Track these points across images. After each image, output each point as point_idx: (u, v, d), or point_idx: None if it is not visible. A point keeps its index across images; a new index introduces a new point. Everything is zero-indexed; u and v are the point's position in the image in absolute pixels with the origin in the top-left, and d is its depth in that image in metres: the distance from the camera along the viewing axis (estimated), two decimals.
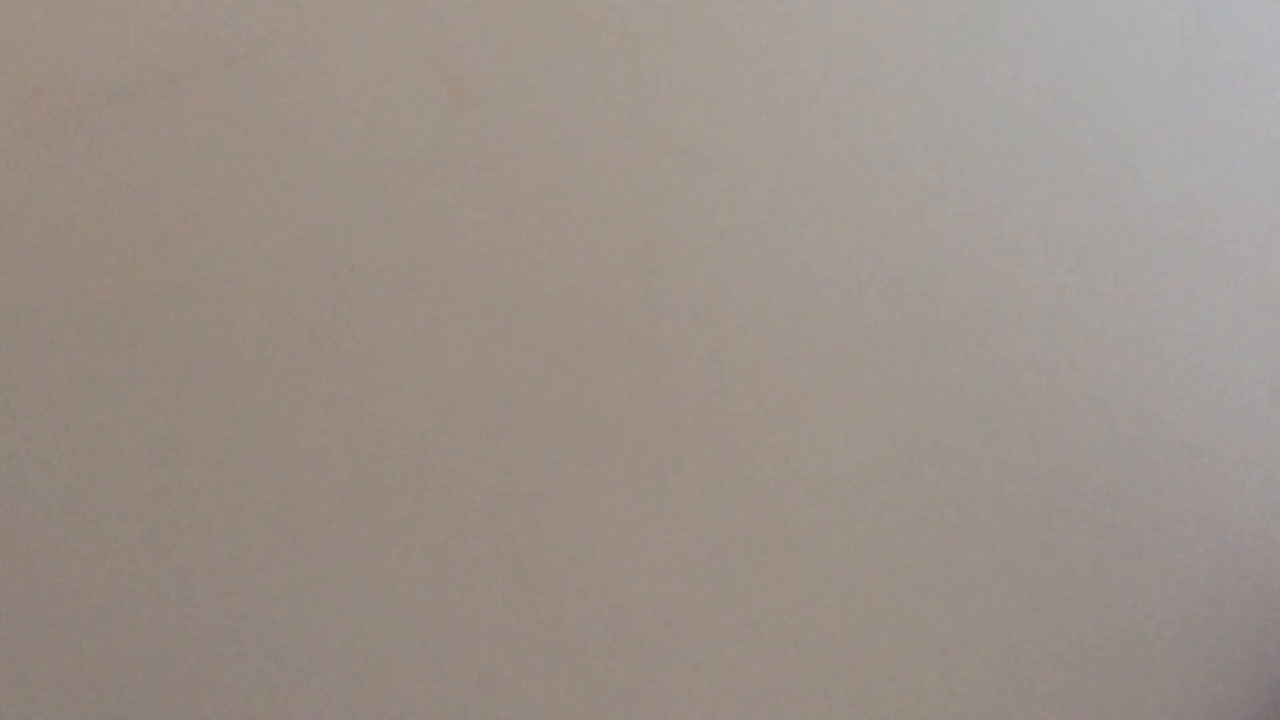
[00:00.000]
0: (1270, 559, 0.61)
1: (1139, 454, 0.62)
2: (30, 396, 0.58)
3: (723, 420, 0.62)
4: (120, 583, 0.57)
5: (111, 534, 0.57)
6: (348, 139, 0.60)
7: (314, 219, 0.60)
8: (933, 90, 0.69)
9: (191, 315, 0.59)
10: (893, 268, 0.65)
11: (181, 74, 0.57)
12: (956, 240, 0.66)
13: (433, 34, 0.62)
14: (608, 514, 0.59)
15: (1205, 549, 0.61)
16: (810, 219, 0.65)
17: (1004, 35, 0.71)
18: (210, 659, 0.56)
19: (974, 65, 0.70)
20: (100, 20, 0.59)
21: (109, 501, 0.57)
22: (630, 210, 0.63)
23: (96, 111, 0.56)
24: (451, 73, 0.61)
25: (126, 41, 0.60)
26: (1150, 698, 0.59)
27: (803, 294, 0.64)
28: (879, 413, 0.63)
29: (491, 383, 0.60)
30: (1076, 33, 0.72)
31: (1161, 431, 0.63)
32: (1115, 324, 0.65)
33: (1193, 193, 0.69)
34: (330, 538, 0.58)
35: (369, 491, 0.58)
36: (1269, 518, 0.62)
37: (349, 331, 0.59)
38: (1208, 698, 0.60)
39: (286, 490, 0.58)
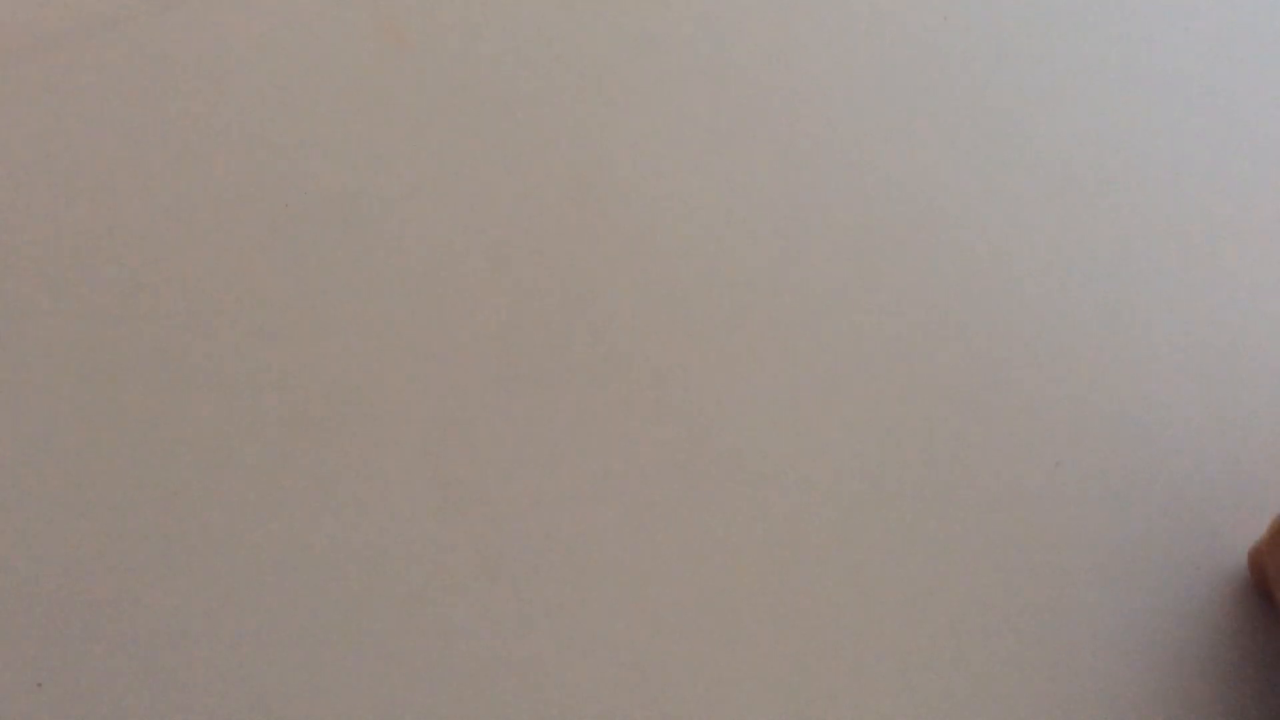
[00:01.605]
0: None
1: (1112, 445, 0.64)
2: None
3: (660, 356, 0.63)
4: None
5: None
6: (285, 80, 0.61)
7: (249, 159, 0.61)
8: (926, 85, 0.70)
9: (128, 255, 0.60)
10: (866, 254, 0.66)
11: (116, 18, 0.57)
12: (934, 230, 0.67)
13: None
14: (545, 450, 0.60)
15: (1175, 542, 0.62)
16: (742, 150, 0.66)
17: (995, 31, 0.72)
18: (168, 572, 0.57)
19: (965, 61, 0.71)
20: None
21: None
22: (564, 147, 0.64)
23: (32, 56, 0.57)
24: (388, 16, 0.62)
25: None
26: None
27: (736, 224, 0.65)
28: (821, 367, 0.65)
29: (426, 316, 0.62)
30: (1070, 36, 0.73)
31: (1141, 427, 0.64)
32: (1099, 320, 0.66)
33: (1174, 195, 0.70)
34: (268, 463, 0.59)
35: (302, 420, 0.59)
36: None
37: (289, 264, 0.60)
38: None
39: (222, 415, 0.59)
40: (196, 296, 0.61)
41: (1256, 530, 0.61)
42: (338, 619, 0.56)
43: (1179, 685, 0.58)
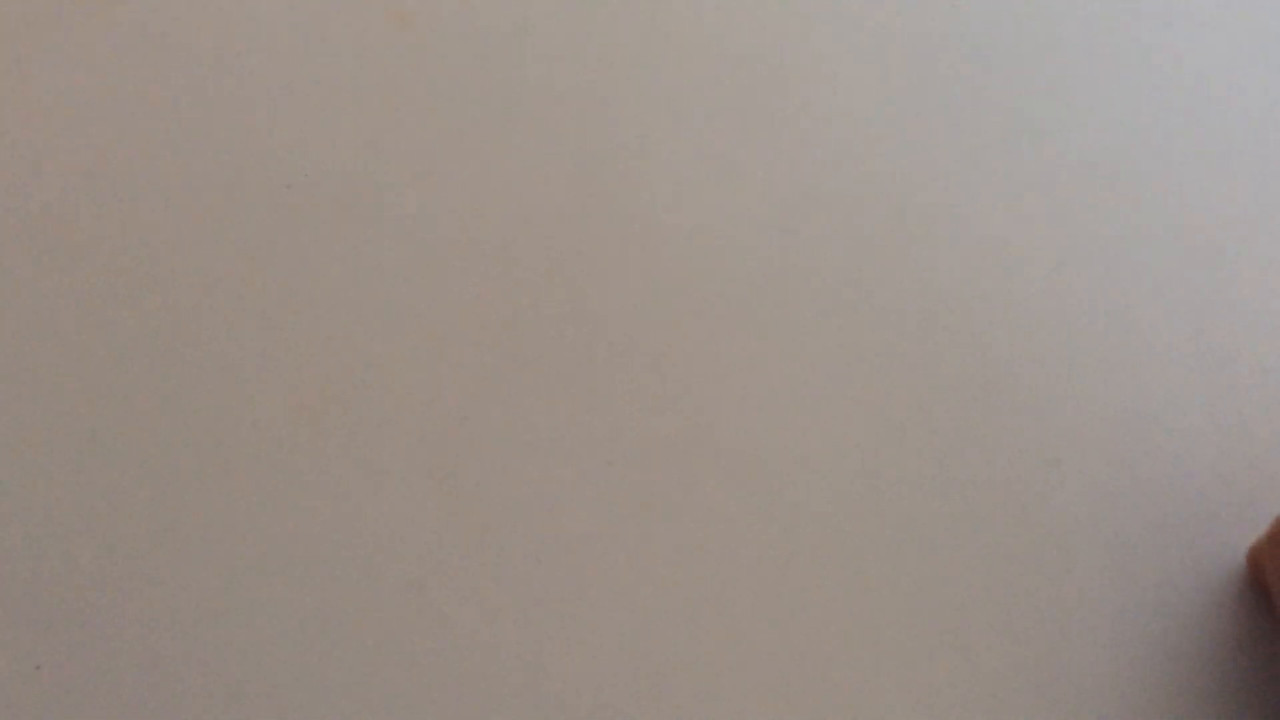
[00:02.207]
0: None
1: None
2: None
3: (656, 351, 0.63)
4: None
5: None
6: (287, 61, 0.61)
7: (249, 140, 0.61)
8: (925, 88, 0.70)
9: (121, 239, 0.60)
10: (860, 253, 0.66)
11: None
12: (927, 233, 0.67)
13: None
14: (546, 441, 0.61)
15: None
16: (755, 150, 0.66)
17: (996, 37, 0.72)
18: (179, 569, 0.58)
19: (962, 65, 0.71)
20: None
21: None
22: (571, 135, 0.64)
23: (28, 32, 0.58)
24: None
25: None
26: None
27: (742, 231, 0.65)
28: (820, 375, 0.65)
29: (427, 305, 0.62)
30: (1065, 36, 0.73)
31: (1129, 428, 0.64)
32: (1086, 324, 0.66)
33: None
34: (268, 463, 0.59)
35: (303, 418, 0.59)
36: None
37: (287, 257, 0.61)
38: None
39: (220, 403, 0.59)
40: (191, 282, 0.61)
41: (1257, 529, 0.60)
42: (336, 613, 0.57)
43: (1176, 684, 0.58)
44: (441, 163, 0.62)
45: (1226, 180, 0.69)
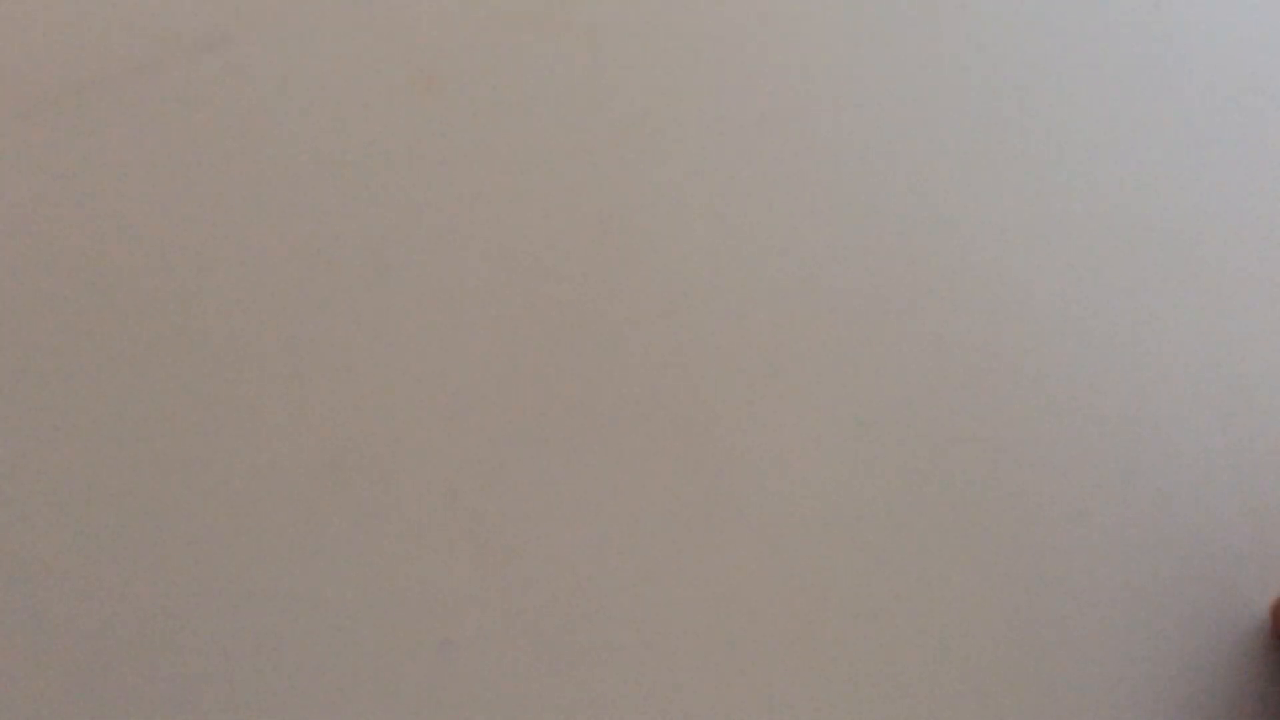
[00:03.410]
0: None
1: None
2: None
3: (682, 403, 0.63)
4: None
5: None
6: (318, 125, 0.62)
7: (284, 202, 0.61)
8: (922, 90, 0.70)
9: (160, 297, 0.60)
10: (863, 262, 0.67)
11: (152, 64, 0.58)
12: (926, 235, 0.67)
13: (400, 21, 0.63)
14: (569, 493, 0.61)
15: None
16: (769, 210, 0.66)
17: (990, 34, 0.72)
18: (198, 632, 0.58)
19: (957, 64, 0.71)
20: (71, 11, 0.60)
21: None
22: (589, 188, 0.64)
23: (69, 101, 0.58)
24: (419, 58, 0.63)
25: (98, 32, 0.61)
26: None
27: (757, 277, 0.66)
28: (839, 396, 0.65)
29: (459, 359, 0.62)
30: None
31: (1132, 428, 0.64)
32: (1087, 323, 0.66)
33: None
34: (300, 517, 0.59)
35: (334, 471, 0.60)
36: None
37: (319, 311, 0.61)
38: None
39: (248, 456, 0.60)
40: (222, 342, 0.61)
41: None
42: (369, 671, 0.57)
43: None
44: (472, 224, 0.63)
45: (1251, 234, 0.69)
